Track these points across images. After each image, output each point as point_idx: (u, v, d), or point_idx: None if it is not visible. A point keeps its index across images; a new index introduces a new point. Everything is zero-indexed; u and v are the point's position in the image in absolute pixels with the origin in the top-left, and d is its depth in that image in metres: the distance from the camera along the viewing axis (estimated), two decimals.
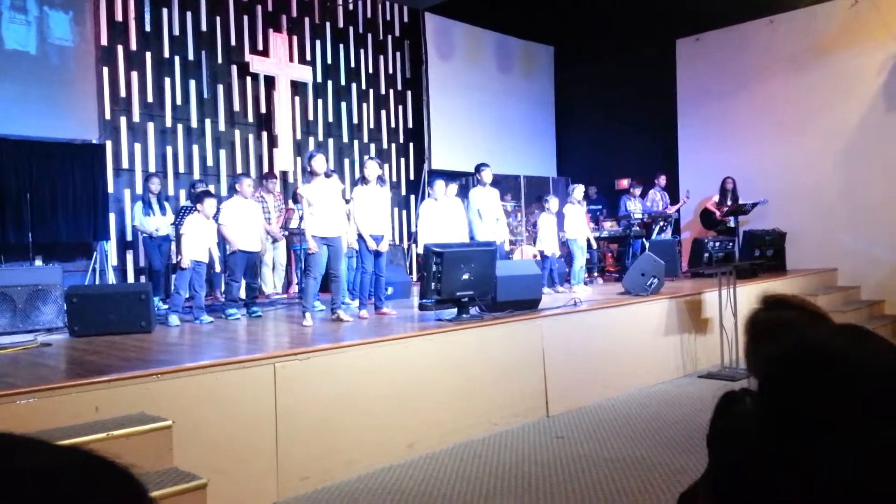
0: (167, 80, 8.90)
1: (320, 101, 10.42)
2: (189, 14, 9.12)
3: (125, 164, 8.53)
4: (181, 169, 8.99)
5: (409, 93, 11.54)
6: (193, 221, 6.46)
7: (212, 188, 8.77)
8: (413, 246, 9.90)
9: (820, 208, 9.94)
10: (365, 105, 10.98)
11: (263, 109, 9.75)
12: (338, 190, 6.17)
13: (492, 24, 12.27)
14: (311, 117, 10.29)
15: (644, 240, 9.90)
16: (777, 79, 10.44)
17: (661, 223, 10.27)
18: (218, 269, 6.86)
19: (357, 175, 8.85)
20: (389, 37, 11.38)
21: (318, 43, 10.42)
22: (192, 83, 9.13)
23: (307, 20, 10.31)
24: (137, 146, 8.64)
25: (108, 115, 8.37)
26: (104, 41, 8.37)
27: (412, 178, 11.40)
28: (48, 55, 7.94)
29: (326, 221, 5.96)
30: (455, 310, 5.69)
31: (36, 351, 4.93)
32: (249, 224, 6.75)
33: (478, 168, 7.90)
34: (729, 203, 10.36)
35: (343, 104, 10.68)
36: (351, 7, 10.83)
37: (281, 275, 8.52)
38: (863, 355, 1.04)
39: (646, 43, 11.54)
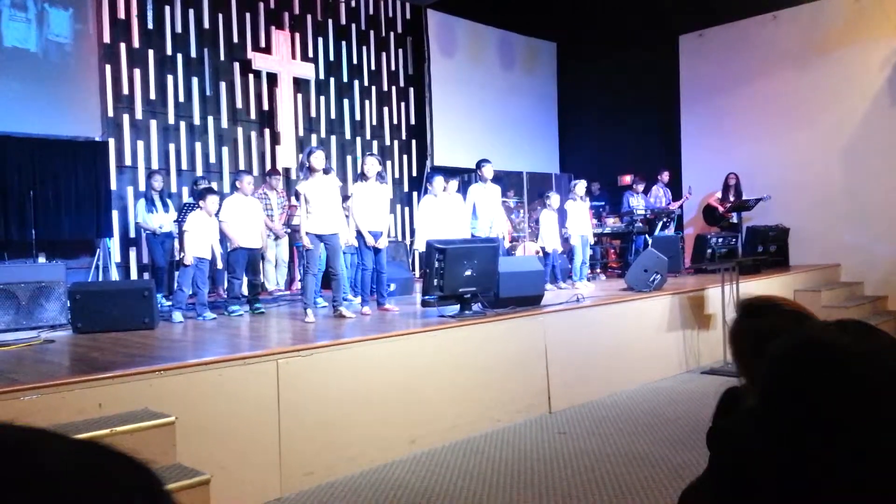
0: (170, 78, 8.90)
1: (323, 98, 10.42)
2: (191, 11, 9.13)
3: (128, 162, 8.55)
4: (184, 166, 9.00)
5: (411, 89, 11.53)
6: (196, 218, 6.47)
7: (214, 185, 8.78)
8: (413, 241, 9.89)
9: (823, 204, 9.91)
10: (367, 102, 10.97)
11: (266, 106, 9.76)
12: (336, 187, 6.15)
13: (494, 21, 12.25)
14: (313, 114, 10.29)
15: (647, 236, 9.88)
16: (781, 74, 10.40)
17: (664, 219, 10.25)
18: (220, 265, 6.86)
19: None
20: (392, 33, 11.37)
21: (320, 40, 10.42)
22: (195, 80, 9.14)
23: (309, 17, 10.31)
24: (140, 143, 8.65)
25: (110, 113, 8.38)
26: (107, 39, 8.38)
27: (415, 174, 11.39)
28: (49, 53, 7.95)
29: (323, 218, 5.95)
30: (457, 306, 5.69)
31: (39, 348, 4.95)
32: (250, 221, 6.75)
33: (479, 164, 7.90)
34: (732, 199, 10.35)
35: (345, 101, 10.68)
36: (353, 4, 10.82)
37: (284, 271, 8.53)
38: (869, 354, 1.03)
39: (649, 39, 11.51)
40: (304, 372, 4.19)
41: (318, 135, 10.32)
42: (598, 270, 10.01)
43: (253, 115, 9.68)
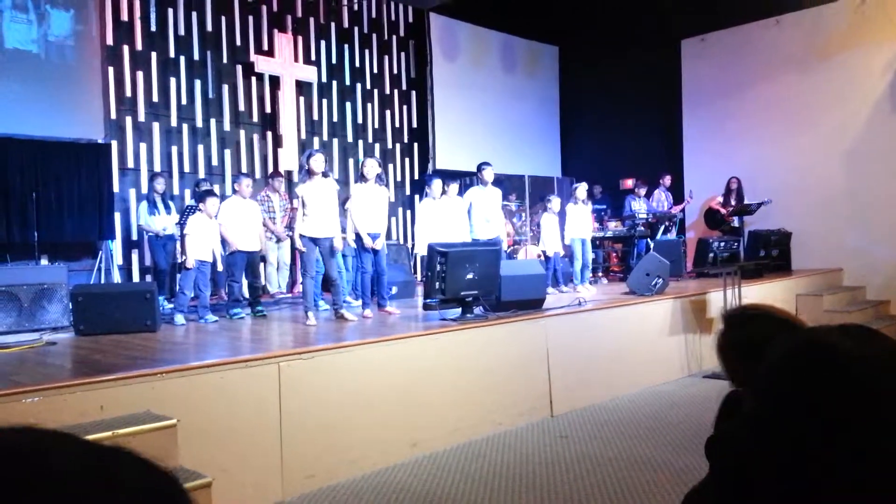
0: (172, 80, 8.92)
1: (325, 101, 10.43)
2: (194, 14, 9.15)
3: (130, 164, 8.56)
4: (186, 168, 9.02)
5: (413, 93, 11.55)
6: (196, 221, 6.46)
7: (217, 188, 8.79)
8: (415, 245, 9.90)
9: (825, 208, 9.90)
10: (369, 105, 10.99)
11: (268, 109, 9.77)
12: (333, 191, 6.14)
13: (496, 25, 12.26)
14: (315, 117, 10.30)
15: (649, 240, 9.88)
16: (783, 79, 10.41)
17: (666, 223, 10.25)
18: (220, 268, 6.86)
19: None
20: (394, 37, 11.39)
21: (322, 43, 10.44)
22: (198, 83, 9.15)
23: (312, 20, 10.33)
24: (143, 146, 8.67)
25: (113, 115, 8.40)
26: (109, 41, 8.40)
27: (416, 178, 11.40)
28: (51, 54, 7.97)
29: (319, 222, 5.94)
30: (459, 309, 5.69)
31: (41, 350, 4.95)
32: (248, 224, 6.72)
33: (479, 167, 7.90)
34: (734, 203, 10.34)
35: (348, 104, 10.70)
36: (356, 7, 10.84)
37: (285, 274, 8.53)
38: (871, 357, 1.03)
39: (651, 43, 11.52)
40: (305, 375, 4.19)
41: (321, 138, 10.34)
42: (600, 274, 10.01)
43: (255, 118, 9.69)
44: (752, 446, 1.13)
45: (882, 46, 9.53)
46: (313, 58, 10.25)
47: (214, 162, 9.29)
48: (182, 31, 9.05)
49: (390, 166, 11.10)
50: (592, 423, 5.43)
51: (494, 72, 12.34)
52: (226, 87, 9.41)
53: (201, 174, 9.03)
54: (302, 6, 10.21)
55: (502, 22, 12.25)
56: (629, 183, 11.20)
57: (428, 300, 5.61)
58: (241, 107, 9.55)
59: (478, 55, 12.11)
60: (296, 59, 9.95)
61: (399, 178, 11.30)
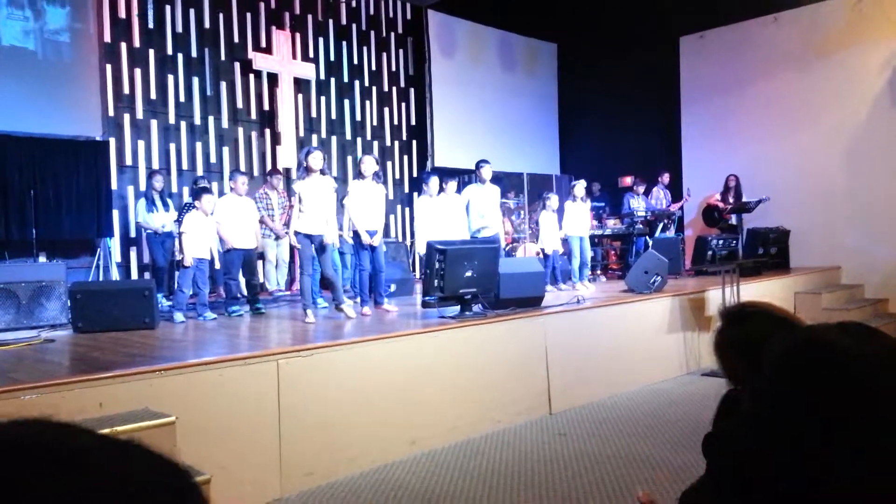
0: (170, 78, 8.91)
1: (323, 99, 10.42)
2: (192, 11, 9.13)
3: (129, 161, 8.55)
4: (184, 166, 9.01)
5: (411, 90, 11.54)
6: (192, 219, 6.45)
7: (215, 185, 8.78)
8: (413, 242, 9.90)
9: (824, 206, 9.91)
10: (368, 102, 10.98)
11: (266, 107, 9.76)
12: (331, 189, 6.13)
13: (495, 22, 12.25)
14: (314, 114, 10.29)
15: (647, 237, 9.88)
16: (781, 76, 10.41)
17: (665, 221, 10.25)
18: (218, 265, 6.85)
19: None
20: (392, 34, 11.38)
21: (320, 40, 10.43)
22: (196, 80, 9.14)
23: (310, 17, 10.31)
24: (141, 143, 8.66)
25: (111, 112, 8.38)
26: (107, 38, 8.39)
27: (415, 175, 11.39)
28: (48, 51, 7.95)
29: (313, 219, 5.94)
30: (458, 307, 5.69)
31: (40, 347, 4.95)
32: (244, 221, 6.70)
33: (477, 165, 7.89)
34: (732, 201, 10.35)
35: (346, 101, 10.69)
36: (354, 4, 10.82)
37: (284, 272, 8.53)
38: (870, 355, 1.03)
39: (649, 40, 11.51)
40: (304, 372, 4.19)
41: (319, 135, 10.33)
42: (599, 272, 10.01)
43: (253, 115, 9.68)
44: (751, 445, 1.13)
45: (880, 44, 9.53)
46: (311, 55, 10.23)
47: (213, 159, 9.28)
48: (180, 29, 9.03)
49: (389, 164, 11.10)
50: (591, 420, 5.44)
51: (493, 69, 12.32)
52: (224, 85, 9.40)
53: (199, 172, 9.02)
54: (300, 3, 10.19)
55: (501, 19, 12.24)
56: (628, 180, 11.20)
57: (427, 298, 5.61)
58: (240, 104, 9.54)
59: (476, 52, 12.09)
60: (294, 57, 9.94)
61: (398, 176, 11.30)
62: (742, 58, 10.76)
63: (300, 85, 10.04)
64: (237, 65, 9.51)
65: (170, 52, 8.93)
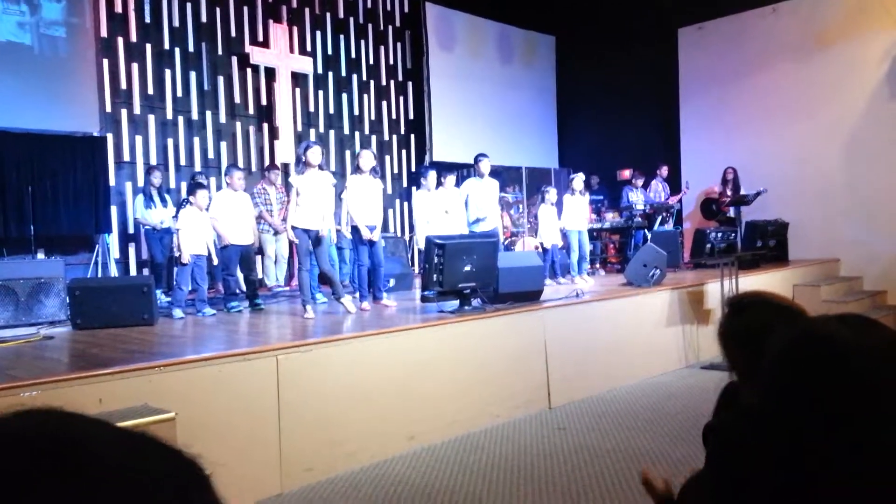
0: (167, 72, 8.88)
1: (321, 93, 10.39)
2: (189, 5, 9.09)
3: (126, 157, 8.53)
4: (182, 161, 8.98)
5: (409, 84, 11.51)
6: (188, 215, 6.43)
7: (213, 180, 8.77)
8: (413, 237, 9.89)
9: (823, 198, 9.90)
10: (366, 96, 10.95)
11: (264, 101, 9.73)
12: (329, 184, 6.13)
13: (493, 14, 12.21)
14: (311, 109, 10.27)
15: (646, 231, 9.88)
16: (780, 68, 10.38)
17: (663, 214, 10.24)
18: (216, 261, 6.85)
19: None
20: (390, 27, 11.34)
21: (318, 34, 10.39)
22: (193, 75, 9.11)
23: (307, 11, 10.27)
24: (138, 138, 8.63)
25: (108, 108, 8.36)
26: (104, 33, 8.35)
27: (413, 169, 11.38)
28: (44, 47, 7.92)
29: (311, 214, 5.94)
30: (457, 301, 5.69)
31: (39, 344, 4.94)
32: (240, 217, 6.67)
33: (476, 159, 7.88)
34: (730, 193, 10.34)
35: (344, 95, 10.66)
36: None
37: (283, 267, 8.52)
38: (870, 347, 1.03)
39: (648, 32, 11.48)
40: (303, 368, 4.19)
41: (317, 129, 10.30)
42: (598, 265, 10.01)
43: (251, 110, 9.65)
44: (750, 439, 1.13)
45: (879, 35, 9.51)
46: (309, 49, 10.20)
47: (210, 154, 9.26)
48: (176, 23, 8.99)
49: (387, 158, 11.08)
50: (590, 414, 5.44)
51: (491, 62, 12.29)
52: (221, 79, 9.36)
53: (197, 167, 9.00)
54: None
55: (498, 12, 12.20)
56: (626, 174, 11.19)
57: (426, 292, 5.62)
58: (237, 99, 9.51)
59: (474, 45, 12.06)
60: (291, 51, 9.90)
61: (396, 170, 11.28)
62: (741, 49, 10.73)
63: (298, 79, 10.01)
64: (234, 59, 9.48)
65: (167, 46, 8.89)
